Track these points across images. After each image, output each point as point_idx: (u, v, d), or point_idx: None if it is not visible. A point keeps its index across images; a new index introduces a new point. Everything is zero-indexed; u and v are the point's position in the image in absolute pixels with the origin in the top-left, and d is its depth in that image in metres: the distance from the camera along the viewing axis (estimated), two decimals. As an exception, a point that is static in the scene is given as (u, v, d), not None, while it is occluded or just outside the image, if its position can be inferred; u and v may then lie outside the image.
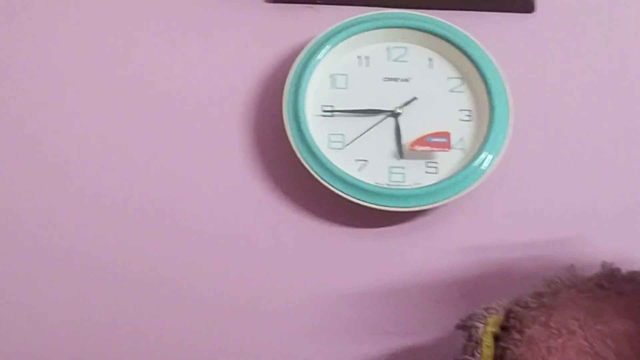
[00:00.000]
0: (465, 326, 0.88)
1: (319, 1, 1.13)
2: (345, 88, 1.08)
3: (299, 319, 1.03)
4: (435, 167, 1.05)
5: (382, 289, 1.04)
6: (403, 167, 1.05)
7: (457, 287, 1.03)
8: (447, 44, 1.08)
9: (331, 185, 1.03)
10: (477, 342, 0.86)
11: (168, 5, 1.13)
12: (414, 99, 1.07)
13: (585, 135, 1.09)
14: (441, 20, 1.09)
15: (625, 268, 0.91)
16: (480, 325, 0.87)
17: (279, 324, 1.03)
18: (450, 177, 1.03)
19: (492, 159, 1.04)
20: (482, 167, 1.03)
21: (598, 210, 1.06)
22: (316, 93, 1.07)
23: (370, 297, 1.04)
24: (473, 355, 0.86)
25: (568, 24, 1.13)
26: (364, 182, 1.03)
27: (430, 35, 1.09)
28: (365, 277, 1.04)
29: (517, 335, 0.86)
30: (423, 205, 1.03)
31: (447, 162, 1.05)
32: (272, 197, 1.07)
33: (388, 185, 1.04)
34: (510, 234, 1.05)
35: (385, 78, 1.09)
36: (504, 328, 0.88)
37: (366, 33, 1.09)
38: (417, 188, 1.03)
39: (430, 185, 1.03)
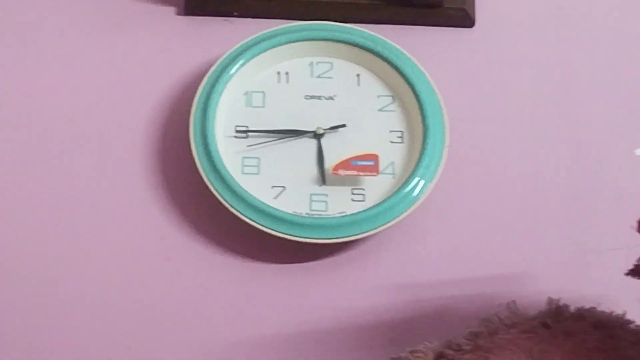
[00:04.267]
0: (388, 372, 0.76)
1: (236, 14, 1.03)
2: (262, 107, 0.97)
3: (207, 367, 0.90)
4: (362, 195, 0.93)
5: (302, 332, 0.91)
6: (326, 195, 0.93)
7: (386, 329, 0.91)
8: (376, 59, 0.98)
9: (243, 214, 0.91)
10: (400, 389, 0.74)
11: (72, 15, 1.03)
12: (343, 125, 0.96)
13: (529, 160, 0.99)
14: (370, 32, 0.99)
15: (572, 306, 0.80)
16: (405, 371, 0.75)
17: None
18: (378, 205, 0.91)
19: (425, 185, 0.92)
20: (414, 194, 0.92)
21: (542, 245, 0.94)
22: (228, 112, 0.96)
23: (289, 340, 0.91)
24: (395, 403, 0.74)
25: (509, 40, 1.04)
26: (280, 211, 0.91)
27: (358, 49, 0.99)
28: (284, 318, 0.91)
29: (448, 382, 0.74)
30: (347, 236, 0.91)
31: (376, 188, 0.93)
32: (178, 228, 0.95)
33: (308, 214, 0.92)
34: (445, 270, 0.93)
35: (308, 96, 0.98)
36: (433, 374, 0.76)
37: (286, 46, 0.98)
38: (340, 217, 0.91)
39: (356, 213, 0.91)
